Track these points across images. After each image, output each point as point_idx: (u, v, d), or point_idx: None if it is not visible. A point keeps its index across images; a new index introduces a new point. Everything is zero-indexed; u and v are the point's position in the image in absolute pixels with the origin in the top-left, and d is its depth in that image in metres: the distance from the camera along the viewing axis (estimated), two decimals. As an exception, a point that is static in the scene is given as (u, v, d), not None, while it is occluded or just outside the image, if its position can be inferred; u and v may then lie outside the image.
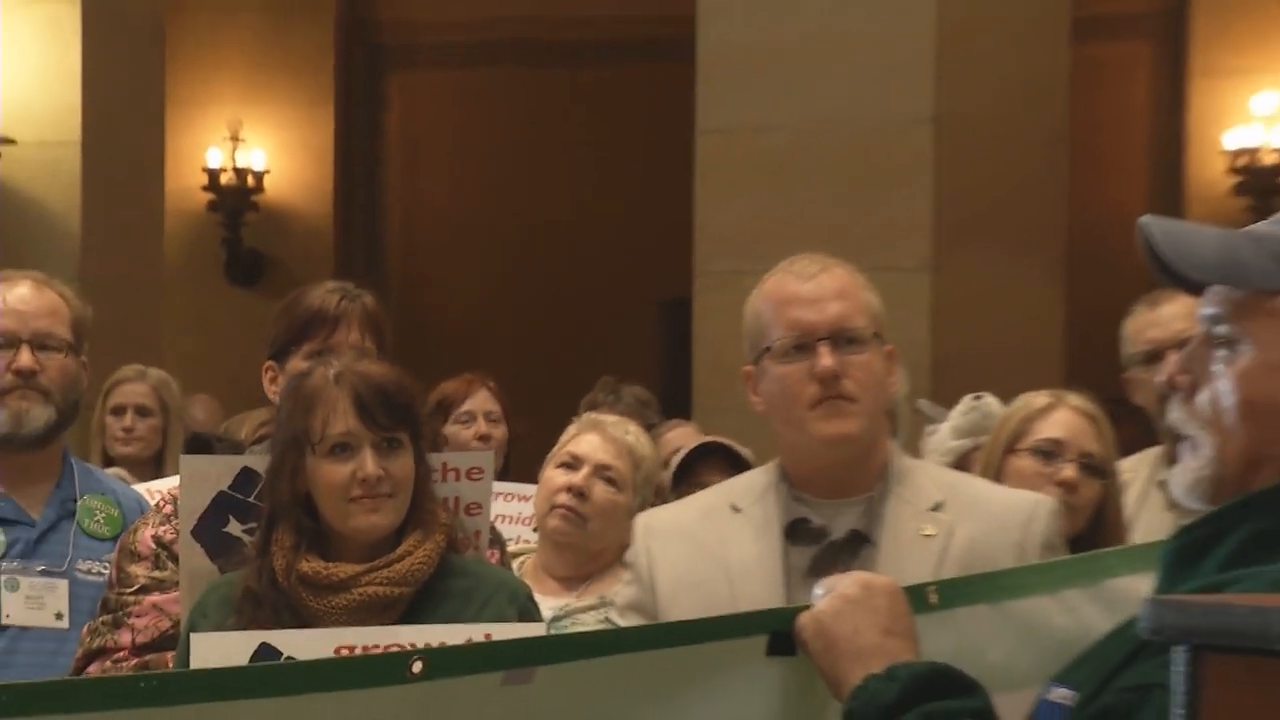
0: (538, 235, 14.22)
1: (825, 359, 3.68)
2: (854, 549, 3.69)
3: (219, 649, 3.51)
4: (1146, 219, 2.50)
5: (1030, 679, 2.76)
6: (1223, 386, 2.45)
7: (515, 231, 14.34)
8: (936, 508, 3.75)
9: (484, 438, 6.53)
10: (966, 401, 5.63)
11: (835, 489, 3.79)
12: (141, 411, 7.70)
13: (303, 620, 3.65)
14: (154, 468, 7.28)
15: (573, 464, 5.29)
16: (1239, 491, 2.44)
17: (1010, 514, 3.79)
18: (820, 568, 3.63)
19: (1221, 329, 2.47)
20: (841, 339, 3.71)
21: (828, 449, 3.74)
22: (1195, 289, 2.52)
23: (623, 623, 3.84)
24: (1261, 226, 2.53)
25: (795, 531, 3.75)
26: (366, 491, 3.70)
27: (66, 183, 10.29)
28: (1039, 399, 4.83)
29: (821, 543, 3.72)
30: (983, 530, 3.71)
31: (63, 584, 4.78)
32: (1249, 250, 2.47)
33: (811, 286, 3.77)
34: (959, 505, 3.76)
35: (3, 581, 4.75)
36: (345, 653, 3.45)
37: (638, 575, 3.89)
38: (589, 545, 5.24)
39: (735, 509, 3.85)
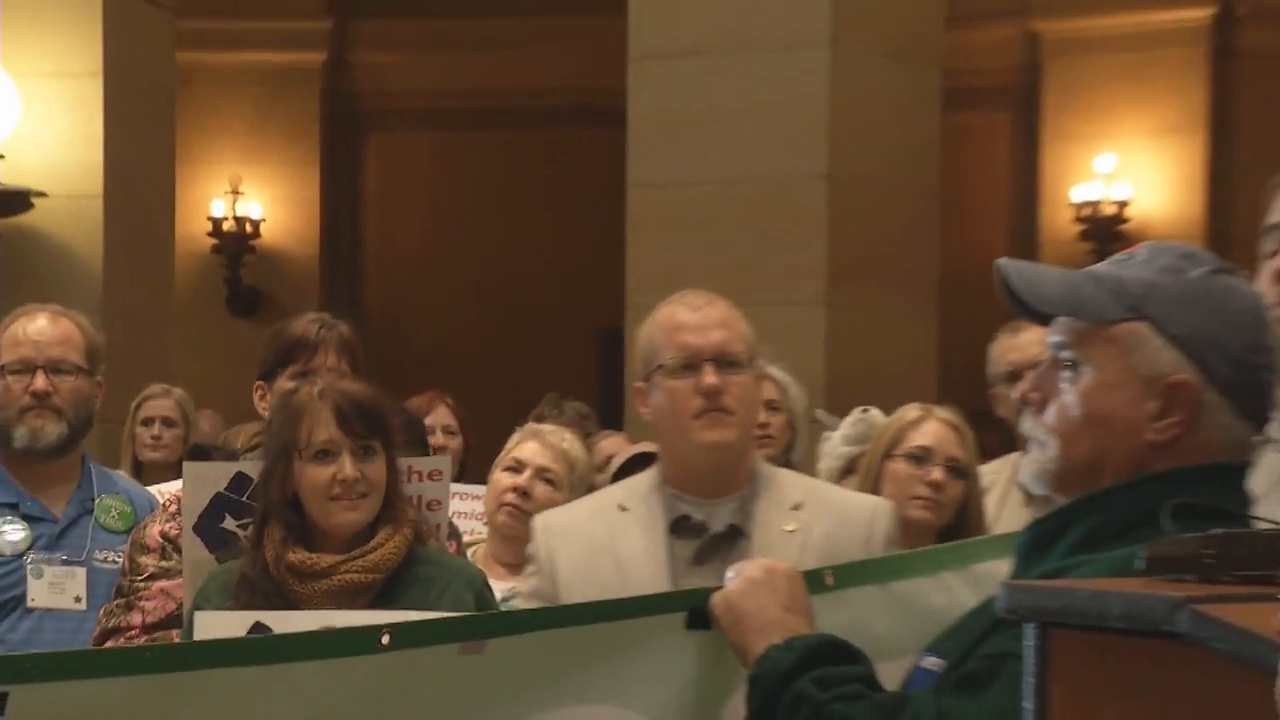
0: (495, 273, 14.21)
1: (709, 377, 3.68)
2: (731, 541, 3.68)
3: (219, 626, 3.50)
4: (1003, 261, 2.51)
5: (909, 649, 2.76)
6: (1068, 401, 2.46)
7: (475, 271, 14.32)
8: (797, 507, 3.74)
9: (440, 449, 6.49)
10: (855, 414, 5.63)
11: (712, 490, 3.77)
12: (167, 423, 7.73)
13: (290, 603, 3.63)
14: (177, 471, 7.25)
15: (517, 468, 5.29)
16: (1081, 490, 2.45)
17: (857, 514, 3.82)
18: (703, 558, 3.66)
19: (1066, 354, 2.47)
20: (723, 361, 3.71)
21: (708, 454, 3.73)
22: (1044, 320, 2.53)
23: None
24: (1100, 267, 2.55)
25: (678, 527, 3.73)
26: (345, 491, 3.68)
27: (90, 229, 10.24)
28: (911, 412, 4.83)
29: (703, 536, 3.70)
30: (835, 527, 3.72)
31: (81, 571, 4.76)
32: (1089, 288, 2.47)
33: (699, 316, 3.76)
34: (815, 505, 3.77)
35: (29, 569, 4.74)
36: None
37: (540, 568, 3.86)
38: (526, 536, 5.24)
39: (622, 508, 3.83)
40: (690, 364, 3.71)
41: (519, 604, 3.94)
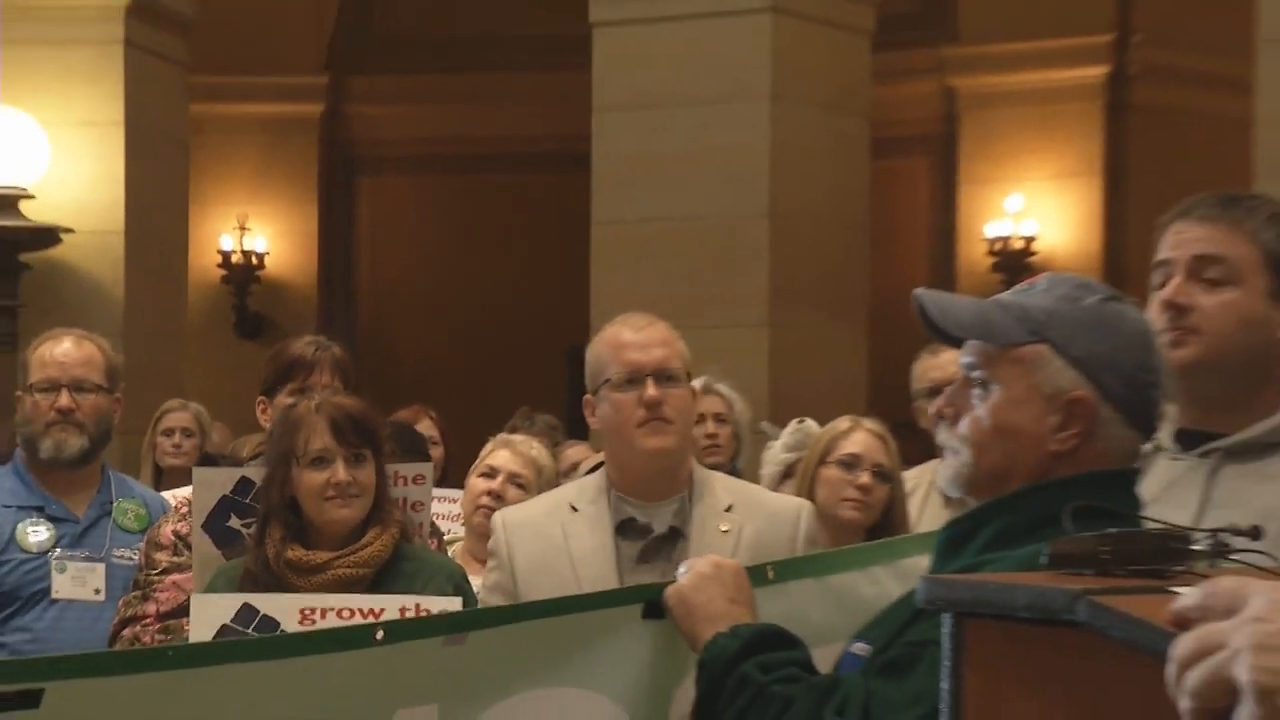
0: (474, 300, 14.19)
1: (651, 389, 3.66)
2: (673, 542, 3.66)
3: (212, 607, 3.53)
4: (919, 291, 2.51)
5: (841, 636, 2.75)
6: (979, 415, 2.46)
7: (457, 298, 14.31)
8: (729, 509, 3.72)
9: None
10: (793, 425, 5.62)
11: (653, 493, 3.74)
12: (186, 433, 7.68)
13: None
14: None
15: (490, 473, 5.27)
16: (991, 494, 2.45)
17: (783, 514, 3.79)
18: (647, 557, 3.64)
19: (977, 373, 2.47)
20: (663, 376, 3.69)
21: (650, 460, 3.71)
22: (957, 343, 2.53)
23: (490, 600, 3.78)
24: (1006, 296, 2.55)
25: (624, 529, 3.70)
26: (339, 493, 3.68)
27: (113, 262, 10.18)
28: (842, 423, 4.83)
29: (647, 537, 3.68)
30: (764, 526, 3.70)
31: (100, 567, 4.75)
32: (997, 314, 2.48)
33: (641, 336, 3.75)
34: (744, 507, 3.75)
35: (54, 565, 4.73)
36: (309, 611, 3.46)
37: (500, 563, 3.83)
38: None
39: (574, 508, 3.79)
40: (634, 378, 3.69)
41: (484, 596, 3.91)
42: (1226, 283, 2.91)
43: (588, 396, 3.83)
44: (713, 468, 4.51)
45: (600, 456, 6.16)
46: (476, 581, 4.64)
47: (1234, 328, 2.91)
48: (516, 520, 3.91)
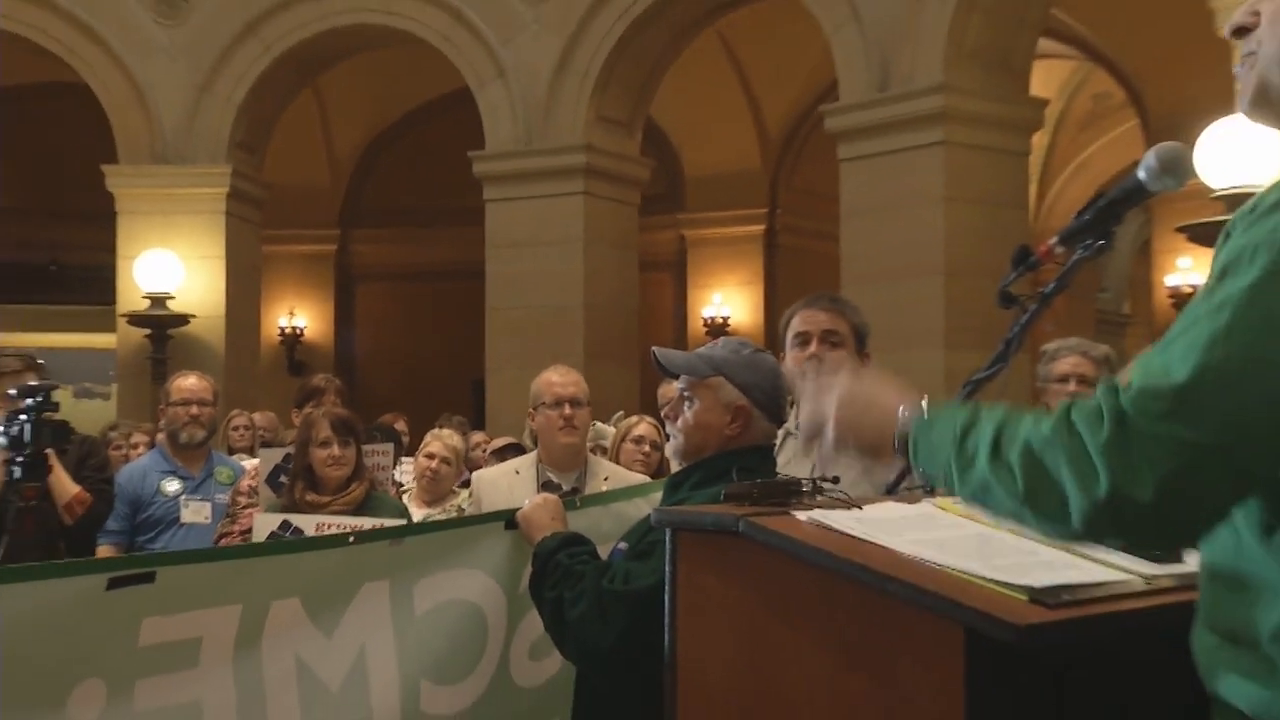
0: (421, 353, 13.96)
1: (567, 409, 3.61)
2: (572, 495, 3.58)
3: (266, 521, 3.45)
4: (654, 348, 2.51)
5: (614, 539, 2.69)
6: (687, 416, 2.44)
7: (411, 352, 14.08)
8: (606, 479, 3.66)
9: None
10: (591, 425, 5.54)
11: (564, 467, 3.67)
12: (246, 428, 7.43)
13: None
14: (252, 453, 6.97)
15: (430, 456, 5.11)
16: (694, 460, 2.43)
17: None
18: None
19: (686, 393, 2.46)
20: (574, 402, 3.63)
21: (563, 449, 3.65)
22: (676, 377, 2.50)
23: None
24: (703, 350, 2.53)
25: (545, 486, 3.62)
26: (334, 462, 3.61)
27: (218, 335, 10.02)
28: (634, 419, 4.82)
29: (557, 492, 3.58)
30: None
31: (208, 504, 4.70)
32: (696, 360, 2.47)
33: (562, 379, 3.69)
34: (615, 480, 3.67)
35: (182, 503, 4.68)
36: (321, 524, 3.45)
37: (474, 502, 3.75)
38: (436, 490, 5.09)
39: (517, 472, 3.73)
40: (558, 402, 3.62)
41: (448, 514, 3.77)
42: (840, 345, 2.95)
43: (531, 410, 3.74)
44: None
45: (501, 440, 6.07)
46: (419, 514, 4.52)
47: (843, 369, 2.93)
48: (486, 478, 3.82)
